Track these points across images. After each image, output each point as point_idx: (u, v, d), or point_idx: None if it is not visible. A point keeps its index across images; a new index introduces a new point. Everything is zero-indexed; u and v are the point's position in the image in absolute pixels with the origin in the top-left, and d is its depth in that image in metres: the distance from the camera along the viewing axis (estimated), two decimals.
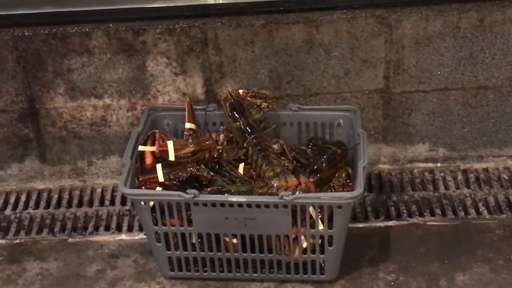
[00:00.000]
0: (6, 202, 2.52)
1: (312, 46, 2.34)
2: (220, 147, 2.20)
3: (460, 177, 2.51)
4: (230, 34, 2.31)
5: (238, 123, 2.22)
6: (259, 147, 2.17)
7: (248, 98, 2.28)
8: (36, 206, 2.51)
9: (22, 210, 2.49)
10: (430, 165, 2.56)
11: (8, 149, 2.51)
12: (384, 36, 2.32)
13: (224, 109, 2.26)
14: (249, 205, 1.99)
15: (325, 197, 1.99)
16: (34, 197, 2.54)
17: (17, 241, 2.38)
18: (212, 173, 2.13)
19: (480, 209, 2.38)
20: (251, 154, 2.17)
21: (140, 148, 2.18)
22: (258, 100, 2.28)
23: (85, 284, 2.20)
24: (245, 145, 2.19)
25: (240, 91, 2.28)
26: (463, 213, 2.38)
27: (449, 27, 2.31)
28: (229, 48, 2.34)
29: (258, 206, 1.99)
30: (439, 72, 2.40)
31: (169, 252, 2.13)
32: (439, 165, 2.56)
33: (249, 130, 2.21)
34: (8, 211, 2.48)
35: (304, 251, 2.09)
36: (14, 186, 2.58)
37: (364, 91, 2.42)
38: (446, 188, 2.48)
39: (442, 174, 2.53)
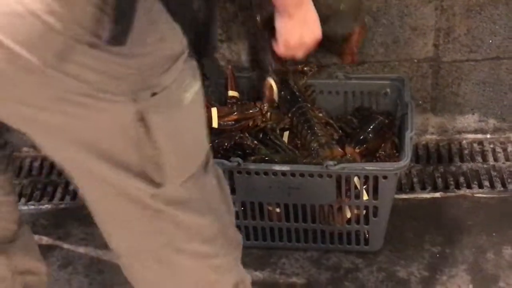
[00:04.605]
0: (52, 168, 2.54)
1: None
2: (264, 116, 2.18)
3: (510, 148, 2.45)
4: None
5: (282, 92, 2.19)
6: (303, 117, 2.14)
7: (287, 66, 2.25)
8: None
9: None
10: (479, 136, 2.50)
11: None
12: (434, 3, 2.26)
13: None
14: (293, 174, 1.97)
15: (371, 167, 1.96)
16: None
17: (62, 206, 2.40)
18: (256, 142, 2.11)
19: None
20: (296, 124, 2.15)
21: None
22: (299, 66, 2.25)
23: None
24: (289, 115, 2.17)
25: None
26: None
27: None
28: None
29: (302, 175, 1.97)
30: (490, 41, 2.32)
31: None
32: (488, 136, 2.50)
33: (294, 100, 2.18)
34: (54, 176, 2.51)
35: (348, 221, 2.06)
36: None
37: (413, 59, 2.37)
38: (496, 159, 2.42)
39: (491, 146, 2.47)
